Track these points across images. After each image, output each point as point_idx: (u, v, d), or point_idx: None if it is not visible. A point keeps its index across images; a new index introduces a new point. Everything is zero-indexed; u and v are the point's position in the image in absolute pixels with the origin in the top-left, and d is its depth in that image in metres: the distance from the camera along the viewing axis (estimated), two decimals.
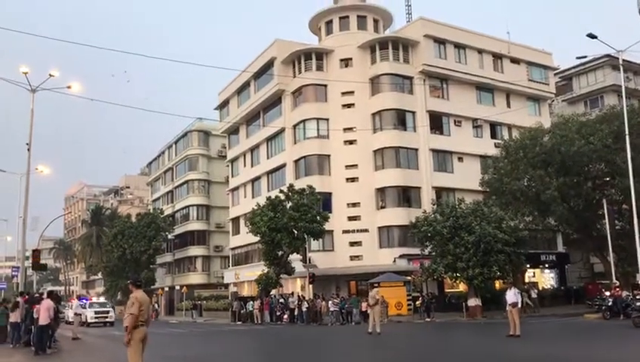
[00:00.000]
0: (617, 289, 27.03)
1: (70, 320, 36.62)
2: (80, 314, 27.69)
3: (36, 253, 30.55)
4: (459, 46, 44.07)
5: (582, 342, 17.63)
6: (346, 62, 43.80)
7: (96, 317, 39.02)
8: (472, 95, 44.95)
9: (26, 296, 21.06)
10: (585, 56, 32.42)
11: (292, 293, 39.07)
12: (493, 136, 45.00)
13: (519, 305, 19.38)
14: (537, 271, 43.48)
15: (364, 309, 32.61)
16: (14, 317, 19.86)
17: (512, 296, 19.94)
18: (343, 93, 42.82)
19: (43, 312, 17.20)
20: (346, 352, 17.57)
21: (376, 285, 34.23)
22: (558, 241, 44.56)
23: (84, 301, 45.90)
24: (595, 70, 51.21)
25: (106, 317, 39.46)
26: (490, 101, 45.85)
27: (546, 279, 44.54)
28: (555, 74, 51.04)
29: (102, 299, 51.83)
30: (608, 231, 31.09)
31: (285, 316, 35.79)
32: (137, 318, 9.08)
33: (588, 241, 37.72)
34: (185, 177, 64.96)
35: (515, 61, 46.74)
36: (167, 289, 64.60)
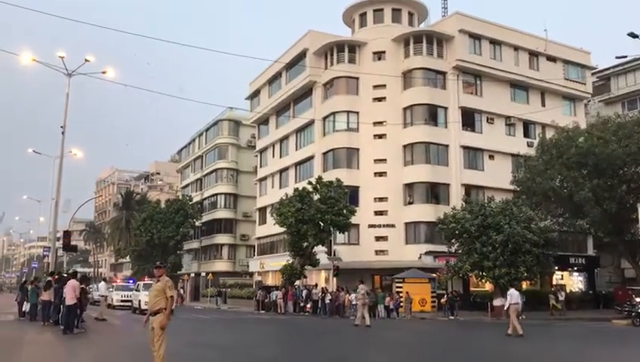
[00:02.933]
0: None
1: (115, 304, 36.44)
2: (105, 296, 27.99)
3: (67, 235, 31.32)
4: (494, 42, 43.34)
5: (609, 348, 17.19)
6: (378, 55, 43.47)
7: None
8: (505, 92, 44.26)
9: (56, 276, 21.49)
10: (625, 56, 31.48)
11: (316, 285, 39.13)
12: (526, 135, 44.27)
13: (504, 308, 19.35)
14: (566, 273, 42.73)
15: (387, 304, 32.60)
16: (47, 295, 20.22)
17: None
18: (375, 87, 42.54)
19: (69, 292, 17.51)
20: (362, 347, 17.49)
21: (399, 281, 34.22)
22: (588, 244, 43.72)
23: (131, 282, 44.73)
24: (635, 71, 49.88)
25: None
26: (525, 99, 45.07)
27: (574, 282, 43.76)
28: (593, 73, 49.83)
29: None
30: None
31: (308, 307, 35.89)
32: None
33: (620, 245, 36.89)
34: (214, 165, 65.55)
35: (551, 59, 45.84)
36: (193, 275, 65.52)
